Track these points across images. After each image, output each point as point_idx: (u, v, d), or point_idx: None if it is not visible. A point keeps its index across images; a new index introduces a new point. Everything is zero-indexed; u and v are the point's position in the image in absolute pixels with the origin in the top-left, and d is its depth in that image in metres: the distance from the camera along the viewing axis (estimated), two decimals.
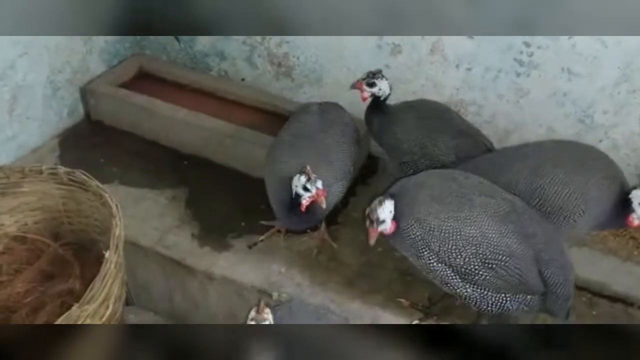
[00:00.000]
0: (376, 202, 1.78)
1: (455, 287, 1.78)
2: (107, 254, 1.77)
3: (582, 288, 2.08)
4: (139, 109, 2.63)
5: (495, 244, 1.72)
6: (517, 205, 1.80)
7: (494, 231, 1.73)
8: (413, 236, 1.76)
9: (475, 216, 1.74)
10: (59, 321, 1.59)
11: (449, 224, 1.73)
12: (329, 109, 2.21)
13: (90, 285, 1.70)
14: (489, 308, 1.80)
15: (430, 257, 1.76)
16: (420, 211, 1.76)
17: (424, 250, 1.76)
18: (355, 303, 2.04)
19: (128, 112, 2.67)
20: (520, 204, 1.82)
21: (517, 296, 1.78)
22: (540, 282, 1.75)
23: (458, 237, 1.73)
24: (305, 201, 1.87)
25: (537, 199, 1.89)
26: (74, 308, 1.63)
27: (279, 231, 2.27)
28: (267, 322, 1.60)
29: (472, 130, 2.18)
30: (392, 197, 1.79)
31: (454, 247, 1.73)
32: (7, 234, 2.21)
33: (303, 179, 1.84)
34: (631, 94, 2.12)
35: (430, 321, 1.99)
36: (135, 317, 2.37)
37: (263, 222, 2.29)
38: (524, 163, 1.94)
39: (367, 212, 1.80)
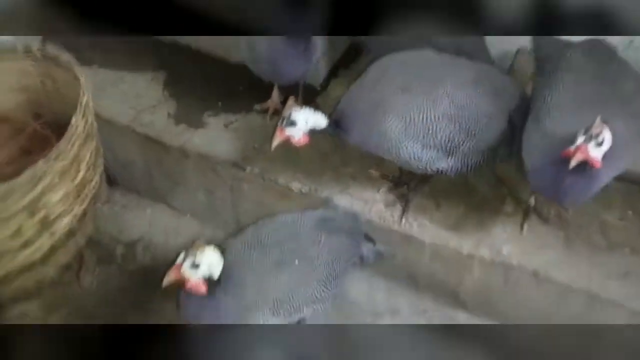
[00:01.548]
0: (294, 102, 1.75)
1: (440, 167, 1.77)
2: (73, 119, 1.81)
3: None
4: None
5: (475, 111, 1.71)
6: (480, 66, 1.79)
7: (470, 100, 1.71)
8: (394, 132, 1.72)
9: (449, 92, 1.70)
10: (24, 173, 1.65)
11: (427, 108, 1.70)
12: None
13: (57, 145, 1.74)
14: (469, 171, 1.80)
15: (415, 147, 1.73)
16: (395, 106, 1.71)
17: (407, 142, 1.72)
18: (325, 175, 2.06)
19: None
20: (480, 64, 1.80)
21: (494, 151, 1.78)
22: (513, 130, 1.75)
23: (439, 118, 1.70)
24: None
25: None
26: (40, 161, 1.68)
27: (276, 111, 2.24)
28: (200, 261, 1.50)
29: None
30: (337, 114, 1.76)
31: (438, 128, 1.70)
32: None
33: None
34: None
35: (401, 190, 2.00)
36: (121, 197, 2.45)
37: (257, 107, 2.27)
38: None
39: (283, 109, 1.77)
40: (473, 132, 1.71)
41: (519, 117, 1.75)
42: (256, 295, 1.58)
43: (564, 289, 1.76)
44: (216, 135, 2.20)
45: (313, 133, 1.78)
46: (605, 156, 1.44)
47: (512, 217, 1.91)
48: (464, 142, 1.72)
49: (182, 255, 1.51)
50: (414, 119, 1.70)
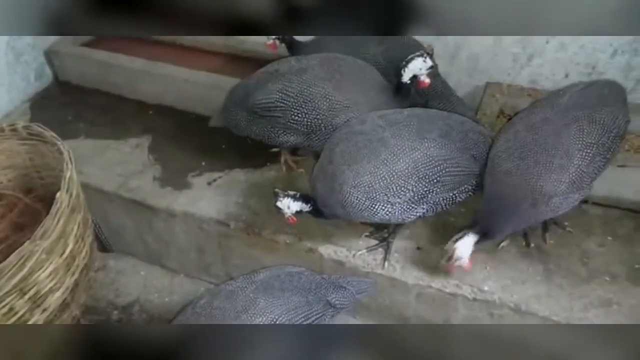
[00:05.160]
0: (280, 191, 1.88)
1: (416, 214, 1.81)
2: (58, 194, 1.87)
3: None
4: (102, 65, 2.71)
5: (429, 160, 1.74)
6: (416, 112, 1.86)
7: (421, 152, 1.74)
8: (359, 202, 1.75)
9: (396, 150, 1.74)
10: (13, 255, 1.70)
11: (381, 171, 1.73)
12: None
13: (42, 223, 1.80)
14: (442, 210, 1.83)
15: (385, 207, 1.77)
16: (349, 179, 1.74)
17: (375, 206, 1.76)
18: (309, 225, 2.09)
19: (92, 70, 2.75)
20: (416, 110, 1.89)
21: (464, 187, 1.82)
22: (475, 163, 1.81)
23: (396, 176, 1.72)
24: (426, 78, 1.95)
25: None
26: (26, 243, 1.74)
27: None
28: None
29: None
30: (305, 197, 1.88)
31: (398, 186, 1.73)
32: None
33: (429, 60, 1.92)
34: None
35: (382, 234, 2.04)
36: (115, 263, 2.51)
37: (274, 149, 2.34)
38: None
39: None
40: (436, 179, 1.74)
41: (480, 147, 1.83)
42: None
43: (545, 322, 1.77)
44: (201, 194, 2.26)
45: (300, 214, 1.90)
46: None
47: (492, 254, 1.93)
48: (431, 189, 1.75)
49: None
50: (372, 183, 1.73)
